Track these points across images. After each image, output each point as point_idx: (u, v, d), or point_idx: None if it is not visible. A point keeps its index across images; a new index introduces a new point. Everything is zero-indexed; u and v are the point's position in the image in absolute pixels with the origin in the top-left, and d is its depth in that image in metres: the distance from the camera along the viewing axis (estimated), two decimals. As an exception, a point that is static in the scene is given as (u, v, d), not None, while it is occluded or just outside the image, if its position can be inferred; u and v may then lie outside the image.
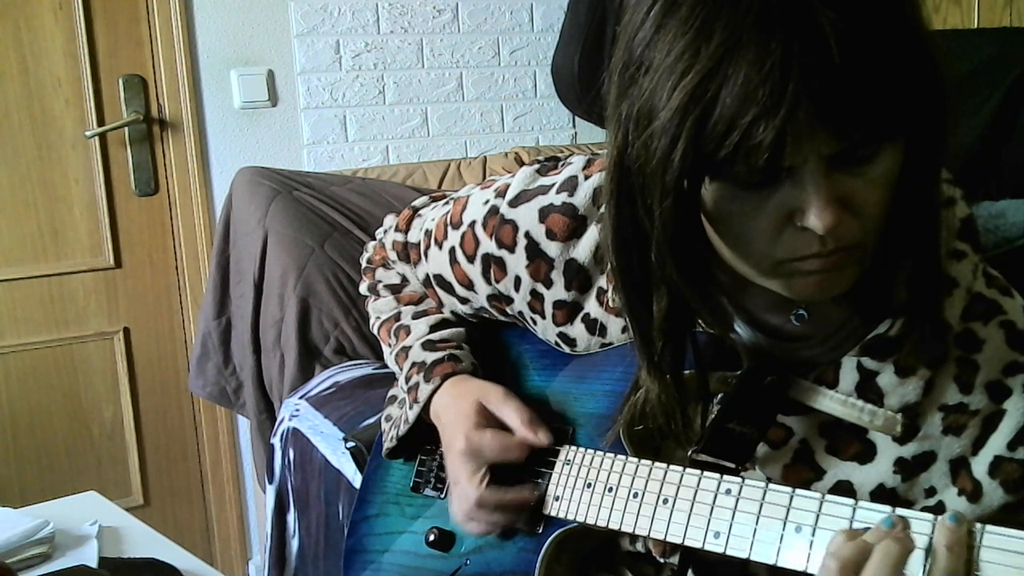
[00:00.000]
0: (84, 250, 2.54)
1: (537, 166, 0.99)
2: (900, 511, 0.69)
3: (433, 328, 1.10)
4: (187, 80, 2.53)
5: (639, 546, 0.93)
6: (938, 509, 0.82)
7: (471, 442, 0.96)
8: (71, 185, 2.50)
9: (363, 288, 1.22)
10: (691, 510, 0.79)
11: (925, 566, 0.66)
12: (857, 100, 0.64)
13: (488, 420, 0.97)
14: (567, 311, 0.96)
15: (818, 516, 0.72)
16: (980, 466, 0.82)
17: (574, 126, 3.07)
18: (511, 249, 0.96)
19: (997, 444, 0.81)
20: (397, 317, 1.14)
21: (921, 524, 0.67)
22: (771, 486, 0.75)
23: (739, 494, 0.77)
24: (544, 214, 0.94)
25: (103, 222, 2.54)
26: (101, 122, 2.50)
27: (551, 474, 0.94)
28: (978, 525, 0.65)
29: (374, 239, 1.21)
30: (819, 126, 0.65)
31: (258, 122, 2.64)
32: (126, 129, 2.54)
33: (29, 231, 2.46)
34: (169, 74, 2.53)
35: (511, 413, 0.96)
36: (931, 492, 0.83)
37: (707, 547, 0.78)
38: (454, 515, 0.99)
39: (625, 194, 0.75)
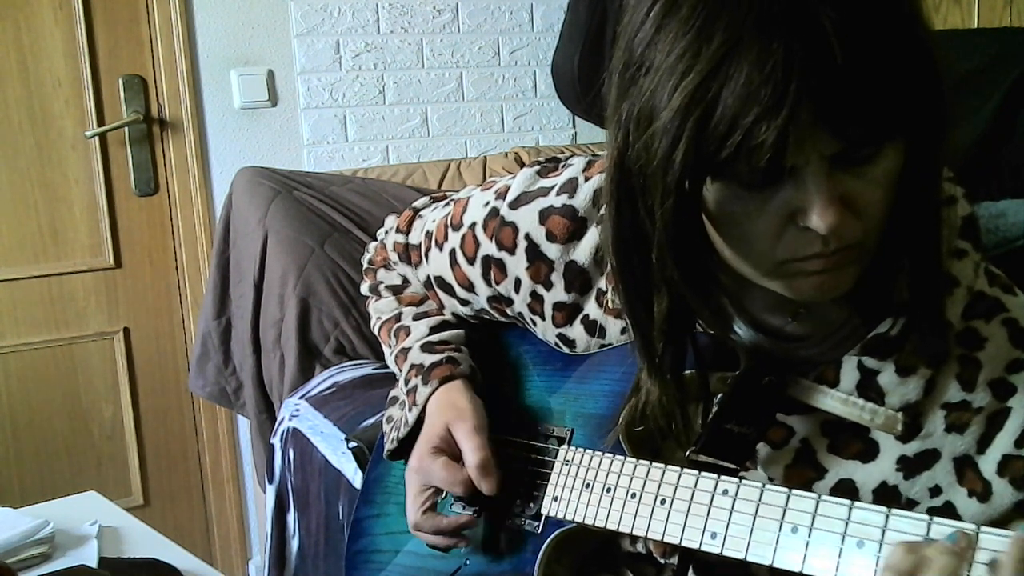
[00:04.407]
0: (84, 250, 2.54)
1: (537, 168, 0.99)
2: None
3: (433, 330, 1.10)
4: (187, 80, 2.54)
5: (639, 547, 0.93)
6: (945, 509, 0.82)
7: (422, 464, 0.99)
8: (71, 185, 2.50)
9: (364, 289, 1.22)
10: (688, 511, 0.79)
11: None
12: (859, 100, 0.64)
13: (449, 446, 0.98)
14: (567, 313, 0.96)
15: (814, 517, 0.72)
16: (988, 465, 0.81)
17: (574, 126, 3.07)
18: (511, 251, 0.96)
19: (1004, 442, 0.81)
20: (398, 318, 1.14)
21: (989, 539, 0.65)
22: (768, 487, 0.75)
23: (736, 495, 0.77)
24: (544, 216, 0.94)
25: (103, 222, 2.54)
26: (101, 122, 2.50)
27: (550, 474, 0.95)
28: (971, 525, 0.65)
29: (374, 239, 1.21)
30: (821, 126, 0.65)
31: (258, 122, 2.64)
32: (126, 129, 2.54)
33: (29, 231, 2.46)
34: (169, 74, 2.53)
35: (469, 451, 0.96)
36: (936, 491, 0.83)
37: (704, 548, 0.78)
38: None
39: (626, 195, 0.75)
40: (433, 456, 0.98)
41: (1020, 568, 0.63)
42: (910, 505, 0.82)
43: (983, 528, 0.65)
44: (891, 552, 0.68)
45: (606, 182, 0.77)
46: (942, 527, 0.66)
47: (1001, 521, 0.65)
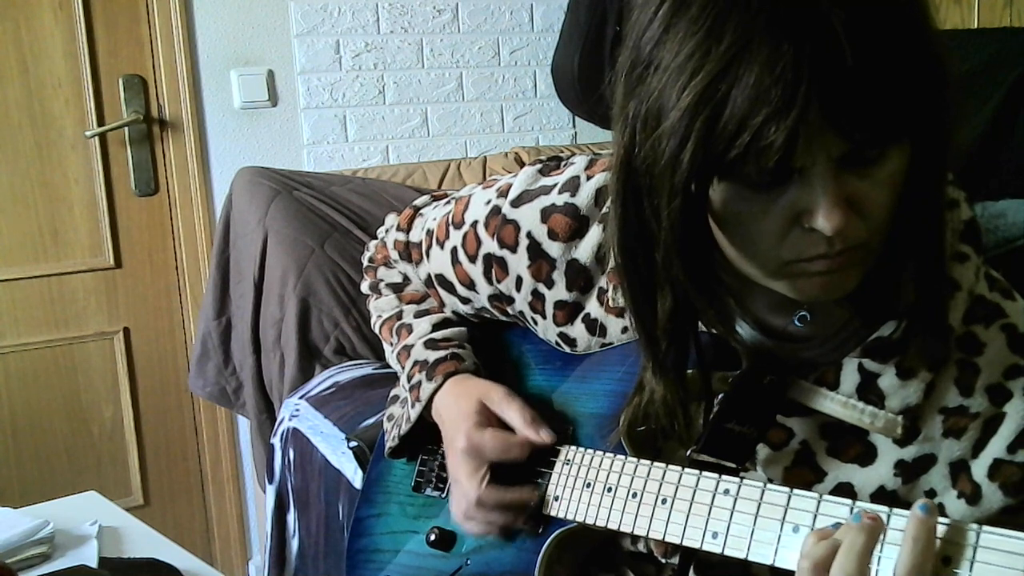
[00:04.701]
0: (84, 250, 2.54)
1: (539, 166, 0.99)
2: (867, 506, 0.70)
3: (435, 327, 1.10)
4: (187, 80, 2.53)
5: (641, 546, 0.93)
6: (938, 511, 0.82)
7: (472, 441, 0.96)
8: (71, 185, 2.50)
9: (365, 287, 1.22)
10: (689, 510, 0.79)
11: (880, 556, 0.66)
12: (868, 101, 0.64)
13: (489, 419, 0.97)
14: (568, 311, 0.96)
15: (815, 516, 0.72)
16: (980, 469, 0.81)
17: (574, 126, 3.07)
18: (513, 249, 0.96)
19: (997, 447, 0.81)
20: (399, 316, 1.14)
21: (900, 520, 0.68)
22: (769, 486, 0.75)
23: (737, 494, 0.77)
24: (546, 214, 0.94)
25: (103, 222, 2.54)
26: (101, 122, 2.50)
27: (551, 474, 0.95)
28: (973, 525, 0.65)
29: (375, 238, 1.21)
30: (830, 127, 0.65)
31: (258, 122, 2.64)
32: (126, 129, 2.54)
33: (29, 231, 2.46)
34: (169, 74, 2.53)
35: (513, 412, 0.96)
36: (931, 495, 0.83)
37: (705, 547, 0.78)
38: (454, 514, 0.99)
39: (632, 194, 0.74)
40: (480, 430, 0.96)
41: (915, 545, 0.65)
42: (908, 508, 0.82)
43: (894, 510, 0.68)
44: (804, 542, 0.70)
45: (612, 181, 0.77)
46: (941, 526, 0.66)
47: (987, 524, 0.65)
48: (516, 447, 0.95)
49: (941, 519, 0.66)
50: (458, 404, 1.00)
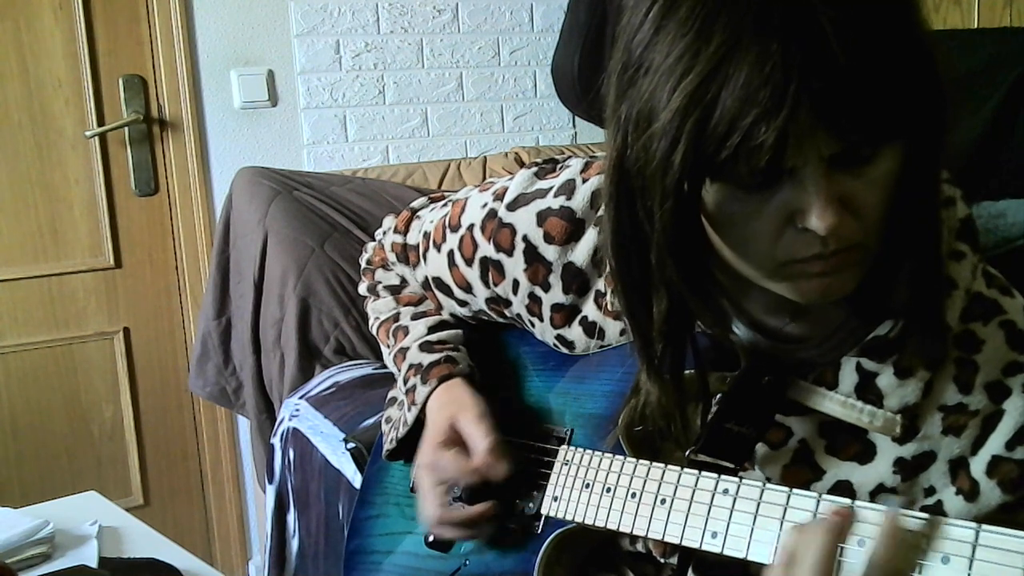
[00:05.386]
0: (84, 250, 2.54)
1: (535, 169, 0.99)
2: (834, 499, 0.70)
3: (431, 329, 1.10)
4: (187, 80, 2.54)
5: (639, 546, 0.93)
6: (936, 508, 0.82)
7: (432, 458, 0.98)
8: (71, 185, 2.50)
9: (362, 289, 1.22)
10: (689, 510, 0.79)
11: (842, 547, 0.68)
12: (858, 101, 0.64)
13: (456, 438, 0.98)
14: (565, 314, 0.96)
15: (815, 515, 0.72)
16: (978, 466, 0.82)
17: (574, 126, 3.07)
18: (509, 252, 0.96)
19: (995, 444, 0.81)
20: (396, 318, 1.14)
21: (865, 512, 0.69)
22: (768, 486, 0.75)
23: (736, 494, 0.77)
24: (542, 218, 0.94)
25: (103, 222, 2.54)
26: (101, 122, 2.50)
27: (550, 474, 0.95)
28: (972, 524, 0.65)
29: (374, 239, 1.21)
30: (820, 127, 0.65)
31: (258, 122, 2.64)
32: (126, 129, 2.54)
33: (29, 231, 2.46)
34: (169, 74, 2.54)
35: (478, 437, 0.96)
36: (930, 491, 0.83)
37: (704, 547, 0.78)
38: (420, 522, 1.01)
39: (625, 196, 0.74)
40: (442, 449, 0.97)
41: (889, 542, 0.66)
42: (908, 506, 0.82)
43: (864, 504, 0.70)
44: (784, 532, 0.72)
45: (605, 183, 0.77)
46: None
47: (986, 521, 0.65)
48: (472, 473, 0.95)
49: (938, 517, 0.66)
50: (436, 415, 1.00)
